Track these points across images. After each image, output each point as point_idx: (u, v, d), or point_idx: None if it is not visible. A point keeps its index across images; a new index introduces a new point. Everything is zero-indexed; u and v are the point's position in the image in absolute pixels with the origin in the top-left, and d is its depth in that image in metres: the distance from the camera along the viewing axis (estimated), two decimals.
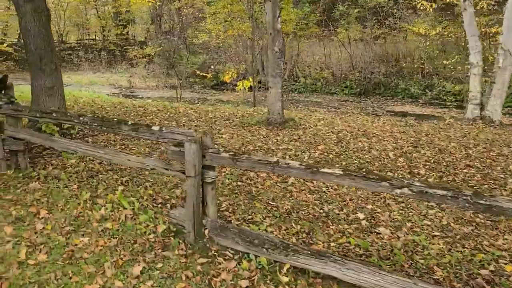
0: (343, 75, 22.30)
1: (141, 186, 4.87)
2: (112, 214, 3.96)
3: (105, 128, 3.94)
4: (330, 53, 23.70)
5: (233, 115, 9.89)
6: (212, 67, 27.14)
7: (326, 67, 22.83)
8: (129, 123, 3.77)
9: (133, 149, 6.46)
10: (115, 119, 3.90)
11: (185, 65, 27.57)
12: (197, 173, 3.21)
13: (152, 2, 28.13)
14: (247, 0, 13.57)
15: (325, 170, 2.69)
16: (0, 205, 4.06)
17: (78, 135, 6.88)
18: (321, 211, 4.39)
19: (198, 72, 24.97)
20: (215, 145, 3.72)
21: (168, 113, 9.82)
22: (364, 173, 2.59)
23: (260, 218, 4.08)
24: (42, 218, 3.85)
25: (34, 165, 5.37)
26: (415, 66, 20.54)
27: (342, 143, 7.13)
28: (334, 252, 3.42)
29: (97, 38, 41.30)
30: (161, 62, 32.51)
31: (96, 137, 6.91)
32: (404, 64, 20.98)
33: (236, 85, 22.33)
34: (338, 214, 4.34)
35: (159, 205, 4.31)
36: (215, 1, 16.79)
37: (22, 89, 15.17)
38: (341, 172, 2.63)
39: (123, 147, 6.57)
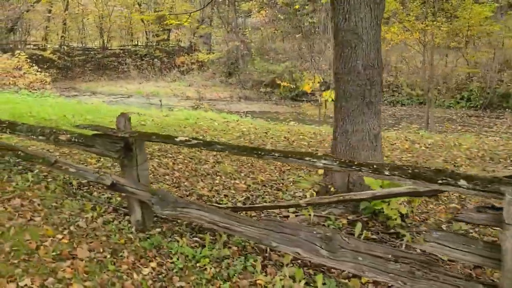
0: (455, 85, 19.34)
1: None
2: None
3: None
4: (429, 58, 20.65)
5: (481, 148, 7.02)
6: (285, 75, 24.30)
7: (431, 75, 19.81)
8: None
9: None
10: None
11: (259, 72, 24.81)
12: None
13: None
14: None
15: None
16: None
17: None
18: None
19: (279, 82, 22.12)
20: None
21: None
22: None
23: None
24: None
25: None
26: None
27: None
28: None
29: (139, 43, 38.82)
30: (217, 68, 29.83)
31: None
32: None
33: (319, 96, 19.63)
34: None
35: None
36: None
37: (99, 108, 12.25)
38: None
39: None
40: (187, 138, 3.09)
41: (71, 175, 4.20)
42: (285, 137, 7.73)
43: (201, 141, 3.00)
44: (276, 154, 2.69)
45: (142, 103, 18.52)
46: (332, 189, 3.83)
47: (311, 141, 7.43)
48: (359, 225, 3.31)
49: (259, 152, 2.74)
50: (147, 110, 12.13)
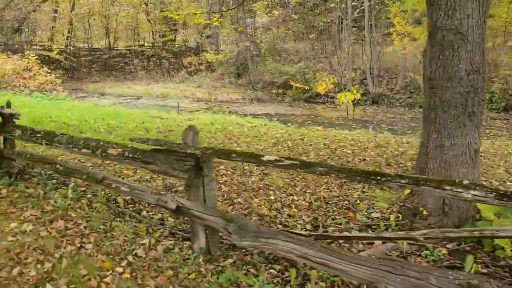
0: None
1: None
2: None
3: None
4: None
5: None
6: (297, 76, 23.77)
7: None
8: None
9: None
10: None
11: (272, 74, 24.29)
12: None
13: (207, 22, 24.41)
14: None
15: None
16: None
17: None
18: None
19: (293, 83, 21.59)
20: None
21: None
22: None
23: None
24: None
25: None
26: None
27: None
28: None
29: (145, 44, 38.29)
30: (226, 69, 29.29)
31: None
32: None
33: (333, 98, 19.20)
34: None
35: None
36: None
37: (118, 112, 11.77)
38: None
39: None
40: (277, 158, 2.59)
41: (123, 195, 3.71)
42: (324, 144, 7.23)
43: (297, 162, 2.49)
44: (403, 181, 2.20)
45: (153, 105, 18.02)
46: (424, 212, 3.35)
47: (354, 149, 6.92)
48: (470, 259, 2.83)
49: (380, 178, 2.25)
50: (166, 113, 11.63)
